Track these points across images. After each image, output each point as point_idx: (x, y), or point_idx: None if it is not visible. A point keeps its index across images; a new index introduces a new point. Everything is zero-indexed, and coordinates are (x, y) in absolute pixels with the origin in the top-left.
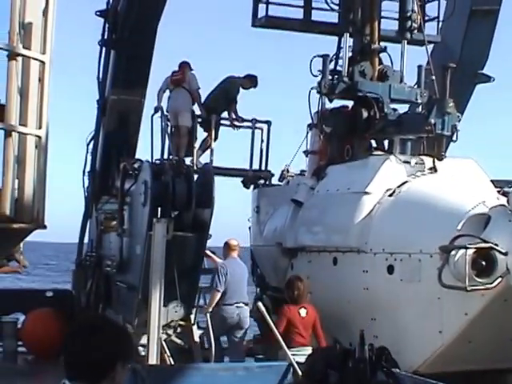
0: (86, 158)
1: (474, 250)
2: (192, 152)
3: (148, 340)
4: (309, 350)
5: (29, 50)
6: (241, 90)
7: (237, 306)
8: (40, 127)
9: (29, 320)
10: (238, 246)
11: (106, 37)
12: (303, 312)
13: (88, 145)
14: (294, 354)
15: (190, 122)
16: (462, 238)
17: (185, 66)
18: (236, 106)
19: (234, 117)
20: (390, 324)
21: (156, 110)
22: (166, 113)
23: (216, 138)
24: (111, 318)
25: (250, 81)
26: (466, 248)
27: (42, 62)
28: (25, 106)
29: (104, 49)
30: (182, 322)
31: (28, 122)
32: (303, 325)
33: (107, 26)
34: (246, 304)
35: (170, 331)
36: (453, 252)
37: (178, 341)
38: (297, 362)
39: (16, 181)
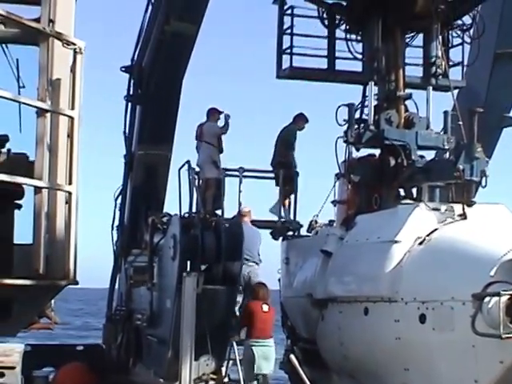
0: (115, 212)
1: (508, 296)
2: (221, 204)
3: None
4: (270, 342)
5: (57, 106)
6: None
7: (248, 265)
8: (70, 183)
9: (59, 374)
10: (250, 213)
11: (131, 92)
12: (265, 307)
13: (116, 199)
14: (252, 345)
15: (213, 173)
16: (495, 284)
17: (212, 112)
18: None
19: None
20: (423, 374)
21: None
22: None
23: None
24: None
25: (301, 120)
26: (500, 295)
27: (71, 118)
28: (54, 162)
29: (130, 104)
30: (213, 376)
31: (57, 178)
32: (265, 318)
33: (132, 81)
34: (257, 263)
35: None
36: (486, 299)
37: None
38: None
39: (47, 236)
